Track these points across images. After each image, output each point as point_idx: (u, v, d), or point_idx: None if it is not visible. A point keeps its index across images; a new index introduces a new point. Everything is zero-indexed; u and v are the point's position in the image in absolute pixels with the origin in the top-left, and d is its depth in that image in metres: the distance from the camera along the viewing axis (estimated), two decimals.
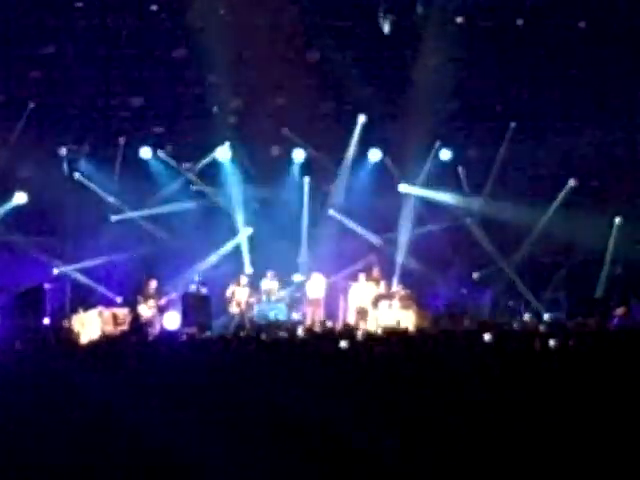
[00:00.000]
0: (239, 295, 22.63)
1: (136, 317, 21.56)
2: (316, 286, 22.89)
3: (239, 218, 23.87)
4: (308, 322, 21.96)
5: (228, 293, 22.65)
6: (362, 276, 22.72)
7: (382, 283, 22.79)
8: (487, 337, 11.71)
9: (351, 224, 23.87)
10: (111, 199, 23.58)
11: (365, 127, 23.80)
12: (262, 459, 7.69)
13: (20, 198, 22.96)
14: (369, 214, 23.79)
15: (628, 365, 9.51)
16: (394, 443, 7.69)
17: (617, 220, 23.59)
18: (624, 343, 11.22)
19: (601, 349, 10.82)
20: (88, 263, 23.09)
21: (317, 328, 19.17)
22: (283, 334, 16.55)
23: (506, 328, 17.16)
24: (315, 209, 24.21)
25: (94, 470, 7.67)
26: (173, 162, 23.84)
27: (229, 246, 23.81)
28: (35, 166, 22.99)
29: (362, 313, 22.16)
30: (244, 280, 22.84)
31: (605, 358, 10.07)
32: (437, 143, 23.93)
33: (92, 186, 23.45)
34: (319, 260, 23.62)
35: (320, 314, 22.65)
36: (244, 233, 23.89)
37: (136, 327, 20.36)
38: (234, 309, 22.55)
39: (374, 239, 23.86)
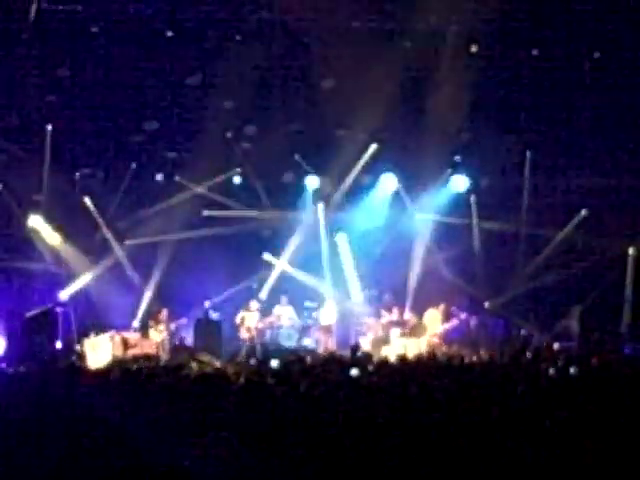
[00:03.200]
0: (249, 321, 22.63)
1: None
2: (329, 313, 22.89)
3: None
4: (320, 349, 21.95)
5: (238, 319, 22.66)
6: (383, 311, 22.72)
7: (395, 310, 22.77)
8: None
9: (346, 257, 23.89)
10: (122, 223, 23.65)
11: (378, 155, 23.85)
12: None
13: (35, 221, 23.03)
14: (381, 242, 23.80)
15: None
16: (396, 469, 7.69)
17: (631, 251, 23.55)
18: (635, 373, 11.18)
19: (610, 378, 10.78)
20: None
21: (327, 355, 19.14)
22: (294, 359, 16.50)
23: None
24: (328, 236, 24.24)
25: None
26: (188, 186, 23.88)
27: (271, 279, 23.84)
28: (49, 190, 23.09)
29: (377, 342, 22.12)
30: (254, 305, 22.84)
31: (614, 386, 10.03)
32: (449, 171, 24.02)
33: (96, 211, 23.54)
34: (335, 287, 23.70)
35: (332, 341, 22.62)
36: (281, 263, 23.94)
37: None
38: (244, 335, 22.54)
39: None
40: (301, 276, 23.78)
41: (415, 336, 22.07)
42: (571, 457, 7.68)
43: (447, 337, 22.37)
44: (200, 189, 23.91)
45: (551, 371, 11.84)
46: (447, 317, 22.56)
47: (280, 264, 23.92)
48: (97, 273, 23.26)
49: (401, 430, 8.33)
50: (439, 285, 23.47)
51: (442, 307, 22.61)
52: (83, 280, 23.06)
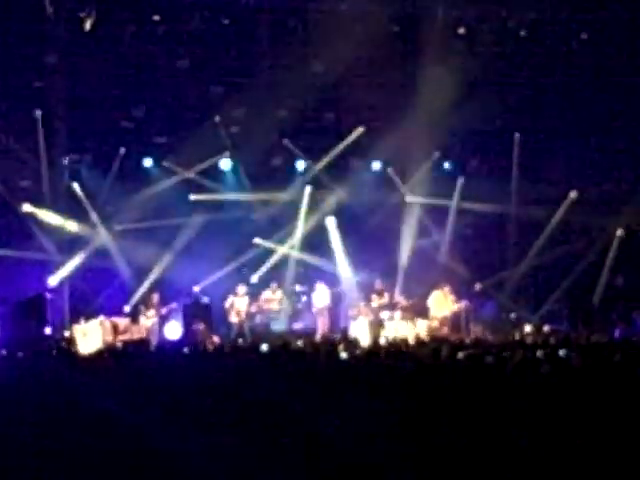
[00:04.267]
0: (238, 305, 22.66)
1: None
2: (321, 296, 22.91)
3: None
4: (319, 332, 21.98)
5: (227, 304, 22.67)
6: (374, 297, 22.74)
7: (385, 294, 22.78)
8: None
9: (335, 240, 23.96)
10: (111, 209, 23.60)
11: (366, 138, 23.85)
12: (263, 468, 7.69)
13: (27, 208, 23.00)
14: (371, 224, 23.82)
15: (631, 377, 9.49)
16: (391, 454, 7.69)
17: (619, 232, 23.62)
18: (627, 355, 11.20)
19: (604, 361, 10.79)
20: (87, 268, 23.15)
21: (322, 339, 19.20)
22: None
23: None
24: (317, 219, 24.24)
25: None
26: (176, 171, 23.83)
27: (272, 261, 23.94)
28: (37, 175, 23.02)
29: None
30: (242, 290, 22.85)
31: (608, 370, 10.05)
32: (436, 154, 24.05)
33: (84, 197, 23.49)
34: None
35: (327, 324, 22.66)
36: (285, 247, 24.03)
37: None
38: (234, 319, 22.58)
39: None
40: (309, 258, 23.81)
41: (411, 319, 22.05)
42: (563, 443, 7.70)
43: (456, 320, 22.31)
44: (188, 174, 23.84)
45: (539, 353, 11.85)
46: (456, 299, 22.49)
47: (277, 248, 23.95)
48: (85, 259, 23.18)
49: (391, 415, 8.37)
50: (429, 268, 23.51)
51: (447, 288, 22.52)
52: (72, 265, 22.99)
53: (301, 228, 24.17)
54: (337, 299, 23.39)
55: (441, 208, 24.21)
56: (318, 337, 20.58)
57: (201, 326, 21.69)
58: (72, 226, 23.21)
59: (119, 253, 23.45)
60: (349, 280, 23.78)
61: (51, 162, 23.12)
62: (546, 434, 7.78)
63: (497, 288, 23.72)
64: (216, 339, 20.82)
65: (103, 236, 23.48)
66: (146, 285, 23.06)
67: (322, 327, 22.54)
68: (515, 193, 24.02)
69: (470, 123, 23.07)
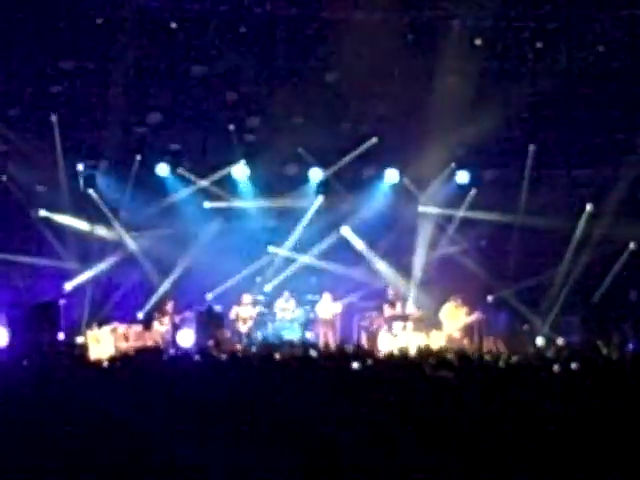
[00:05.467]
0: (243, 314, 22.62)
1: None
2: (326, 306, 22.84)
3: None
4: (321, 343, 21.84)
5: (232, 315, 22.66)
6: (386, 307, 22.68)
7: (398, 304, 22.72)
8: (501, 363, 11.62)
9: (360, 247, 23.93)
10: (125, 215, 23.66)
11: (382, 148, 23.83)
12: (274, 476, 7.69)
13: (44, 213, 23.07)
14: (385, 235, 23.80)
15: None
16: (401, 463, 7.69)
17: (631, 245, 23.55)
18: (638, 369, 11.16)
19: (616, 375, 10.75)
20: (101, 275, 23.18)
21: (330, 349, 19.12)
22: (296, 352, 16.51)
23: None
24: (330, 228, 24.22)
25: None
26: (191, 178, 23.87)
27: (287, 272, 23.95)
28: (52, 181, 23.09)
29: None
30: (247, 299, 22.77)
31: (618, 384, 10.01)
32: (453, 165, 24.02)
33: (103, 203, 23.55)
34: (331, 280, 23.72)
35: (333, 335, 22.56)
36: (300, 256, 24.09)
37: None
38: (242, 328, 22.55)
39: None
40: (327, 266, 23.83)
41: (422, 330, 22.01)
42: (572, 452, 7.69)
43: (471, 330, 22.25)
44: (203, 182, 23.89)
45: (555, 367, 11.79)
46: (470, 310, 22.43)
47: (291, 256, 24.03)
48: (110, 265, 23.28)
49: (402, 423, 8.35)
50: (442, 279, 23.46)
51: (460, 300, 22.47)
52: (95, 271, 23.05)
53: (315, 236, 24.15)
54: (349, 309, 23.31)
55: (454, 219, 24.18)
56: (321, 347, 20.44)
57: (226, 334, 21.75)
58: (101, 231, 23.34)
59: (147, 259, 23.55)
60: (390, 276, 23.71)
61: (67, 168, 23.20)
62: (555, 445, 7.77)
63: (510, 300, 23.63)
64: (238, 347, 20.85)
65: (129, 242, 23.57)
66: (160, 292, 23.11)
67: (323, 338, 22.39)
68: (526, 203, 23.92)
69: (485, 134, 23.04)
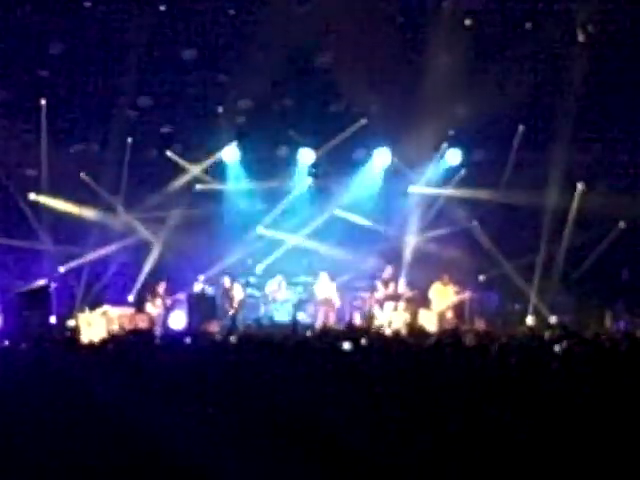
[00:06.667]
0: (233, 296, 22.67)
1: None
2: (325, 286, 22.86)
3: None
4: (319, 323, 21.84)
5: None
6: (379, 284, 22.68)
7: (391, 284, 22.72)
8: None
9: (359, 220, 23.95)
10: (117, 198, 23.65)
11: (372, 129, 23.82)
12: (265, 462, 7.68)
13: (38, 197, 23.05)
14: (376, 216, 23.84)
15: (633, 370, 9.47)
16: (395, 446, 7.68)
17: (621, 224, 23.56)
18: (630, 348, 11.17)
19: (606, 354, 10.77)
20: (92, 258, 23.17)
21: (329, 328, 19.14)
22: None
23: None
24: (321, 209, 24.24)
25: (96, 471, 7.67)
26: (181, 161, 23.87)
27: (278, 254, 23.94)
28: (44, 165, 23.06)
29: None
30: (227, 282, 22.76)
31: (610, 363, 10.03)
32: (444, 145, 24.02)
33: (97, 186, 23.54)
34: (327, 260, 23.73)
35: (333, 316, 22.57)
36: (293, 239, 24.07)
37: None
38: (230, 310, 22.57)
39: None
40: (318, 247, 23.86)
41: (413, 309, 22.04)
42: (565, 434, 7.70)
43: (461, 310, 22.30)
44: (194, 166, 23.90)
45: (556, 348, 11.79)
46: (459, 289, 22.46)
47: (282, 237, 23.99)
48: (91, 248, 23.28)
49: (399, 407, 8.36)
50: (433, 259, 23.50)
51: (446, 278, 22.43)
52: (92, 255, 23.06)
53: (306, 218, 24.18)
54: (341, 290, 23.32)
55: (445, 199, 24.21)
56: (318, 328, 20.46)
57: (214, 326, 21.74)
58: (88, 213, 23.34)
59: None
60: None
61: (58, 151, 23.16)
62: (549, 429, 7.77)
63: (501, 279, 23.69)
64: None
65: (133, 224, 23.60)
66: (147, 273, 23.14)
67: (323, 318, 22.42)
68: (518, 184, 23.91)
69: (476, 114, 23.02)
